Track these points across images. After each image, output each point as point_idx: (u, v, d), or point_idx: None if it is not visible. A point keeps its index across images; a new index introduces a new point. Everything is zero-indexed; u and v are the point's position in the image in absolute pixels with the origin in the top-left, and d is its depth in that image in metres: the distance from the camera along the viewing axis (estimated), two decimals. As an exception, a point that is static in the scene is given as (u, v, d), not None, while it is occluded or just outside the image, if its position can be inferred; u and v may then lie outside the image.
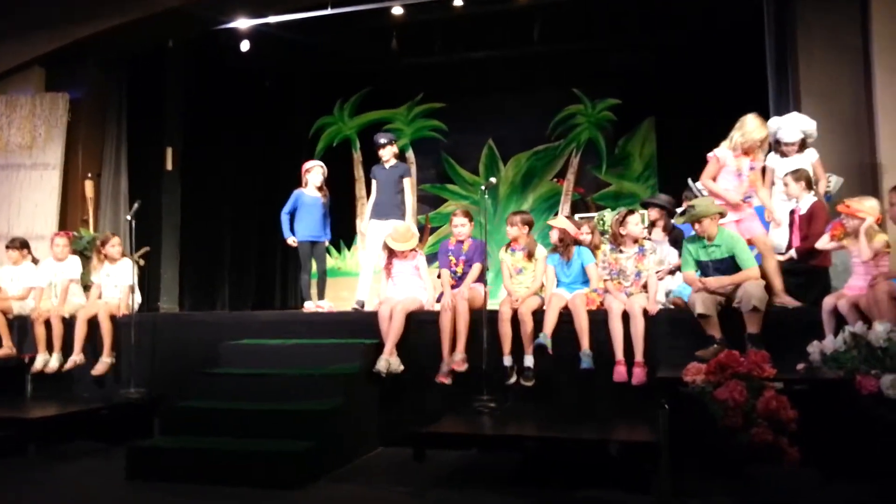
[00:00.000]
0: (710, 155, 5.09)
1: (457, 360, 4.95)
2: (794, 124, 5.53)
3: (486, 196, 5.36)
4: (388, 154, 6.42)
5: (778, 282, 4.71)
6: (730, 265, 4.64)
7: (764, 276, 4.62)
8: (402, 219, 6.28)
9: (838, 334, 3.90)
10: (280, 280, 10.67)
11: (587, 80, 10.14)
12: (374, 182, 6.48)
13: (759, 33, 7.28)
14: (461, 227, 5.48)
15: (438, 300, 5.48)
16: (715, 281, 4.60)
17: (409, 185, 6.42)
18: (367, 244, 6.41)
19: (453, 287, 5.36)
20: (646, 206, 5.99)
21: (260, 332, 5.64)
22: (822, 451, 3.63)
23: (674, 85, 9.31)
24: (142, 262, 6.63)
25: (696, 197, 5.38)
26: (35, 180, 7.93)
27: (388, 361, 5.00)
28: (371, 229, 6.31)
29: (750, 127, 4.93)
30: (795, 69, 6.62)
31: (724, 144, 5.05)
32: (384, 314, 5.15)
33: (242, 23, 8.58)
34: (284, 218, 6.33)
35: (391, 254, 5.53)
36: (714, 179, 5.02)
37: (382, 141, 6.46)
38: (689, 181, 5.98)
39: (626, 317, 4.75)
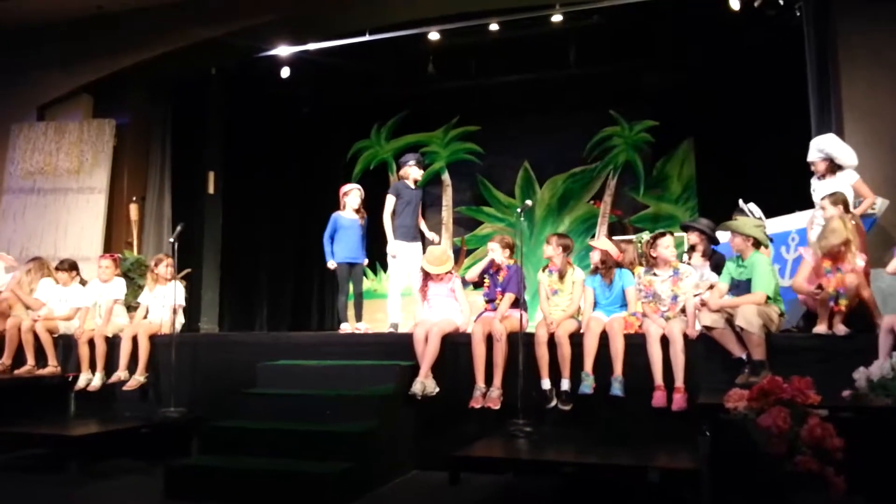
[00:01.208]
0: (801, 250, 4.95)
1: (492, 398, 4.91)
2: (814, 144, 5.43)
3: (522, 218, 5.35)
4: (418, 174, 6.50)
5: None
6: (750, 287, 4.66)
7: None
8: (421, 242, 6.40)
9: (886, 361, 3.79)
10: (317, 301, 10.80)
11: (624, 102, 10.11)
12: (394, 199, 6.44)
13: (799, 51, 7.20)
14: (490, 252, 5.48)
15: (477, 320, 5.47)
16: (716, 303, 4.63)
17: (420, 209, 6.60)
18: (394, 266, 6.42)
19: (485, 311, 5.37)
20: (686, 229, 5.93)
21: (297, 353, 5.70)
22: (869, 481, 3.51)
23: (713, 105, 9.22)
24: (184, 284, 6.77)
25: (746, 217, 5.34)
26: (82, 204, 8.19)
27: (424, 384, 5.00)
28: (399, 251, 6.35)
29: (826, 231, 4.67)
30: (837, 87, 6.51)
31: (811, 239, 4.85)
32: (419, 337, 5.16)
33: (282, 50, 8.80)
34: (327, 242, 6.40)
35: (426, 276, 5.56)
36: (809, 281, 4.71)
37: (413, 161, 6.51)
38: (741, 202, 5.93)
39: (665, 341, 4.70)
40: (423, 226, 6.59)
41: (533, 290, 5.62)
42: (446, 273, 5.53)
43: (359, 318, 6.47)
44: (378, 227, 6.60)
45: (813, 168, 5.42)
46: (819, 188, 5.43)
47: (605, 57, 9.32)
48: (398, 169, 6.72)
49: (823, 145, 5.39)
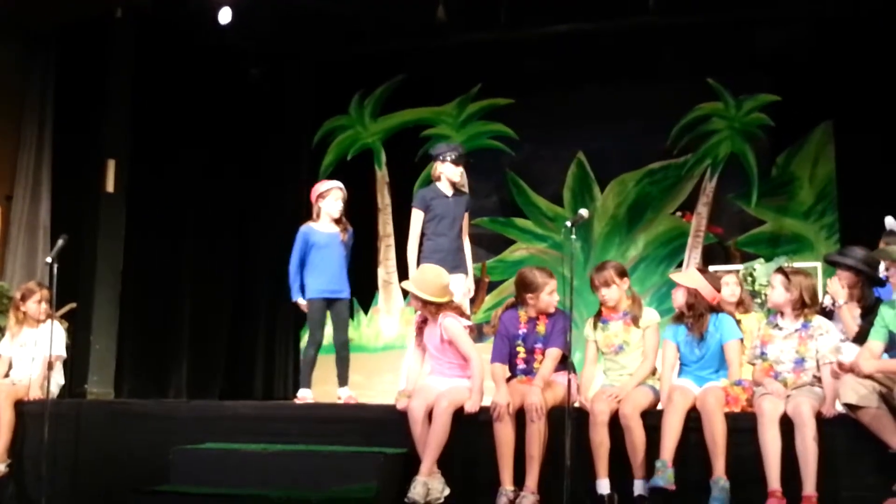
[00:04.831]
0: None
1: None
2: None
3: (574, 237, 5.37)
4: (457, 175, 6.51)
5: None
6: None
7: None
8: (465, 272, 6.43)
9: None
10: (263, 355, 10.78)
11: (729, 67, 10.17)
12: (422, 214, 6.49)
13: None
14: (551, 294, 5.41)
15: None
16: (867, 367, 4.58)
17: (467, 223, 6.62)
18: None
19: (512, 378, 5.40)
20: (833, 265, 5.93)
21: (231, 432, 5.73)
22: None
23: (861, 75, 9.25)
24: (65, 326, 6.81)
25: None
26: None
27: (427, 486, 4.99)
28: None
29: None
30: None
31: None
32: (418, 413, 5.17)
33: (222, -18, 8.91)
34: (294, 269, 6.47)
35: (423, 317, 5.58)
36: None
37: (450, 155, 6.51)
38: (890, 220, 5.93)
39: (787, 425, 4.69)
40: (467, 250, 6.60)
41: (581, 344, 5.62)
42: (436, 306, 5.46)
43: (343, 380, 6.47)
44: (358, 247, 6.60)
45: None
46: None
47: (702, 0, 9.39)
48: (434, 166, 6.67)
49: None
